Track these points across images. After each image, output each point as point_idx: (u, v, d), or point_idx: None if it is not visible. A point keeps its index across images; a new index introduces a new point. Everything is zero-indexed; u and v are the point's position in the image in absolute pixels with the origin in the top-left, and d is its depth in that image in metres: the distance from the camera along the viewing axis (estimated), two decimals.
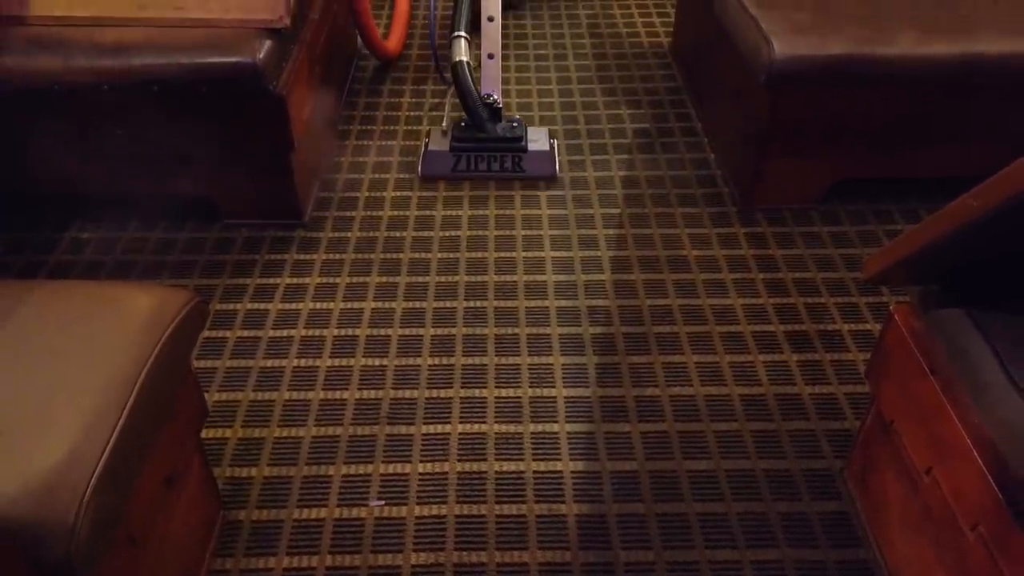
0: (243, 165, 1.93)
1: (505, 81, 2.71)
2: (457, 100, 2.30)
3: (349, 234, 2.02)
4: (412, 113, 2.53)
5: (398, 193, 2.17)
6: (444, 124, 2.43)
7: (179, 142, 1.86)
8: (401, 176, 2.24)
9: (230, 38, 1.76)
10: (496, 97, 2.29)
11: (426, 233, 2.03)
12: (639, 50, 2.92)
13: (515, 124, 2.32)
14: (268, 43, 1.77)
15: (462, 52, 2.22)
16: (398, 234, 2.02)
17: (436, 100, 2.58)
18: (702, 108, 2.50)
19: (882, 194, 2.14)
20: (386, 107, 2.56)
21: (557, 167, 2.28)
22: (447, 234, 2.02)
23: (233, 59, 1.71)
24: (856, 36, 1.80)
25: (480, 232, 2.03)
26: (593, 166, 2.29)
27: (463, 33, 2.25)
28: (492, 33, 2.27)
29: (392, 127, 2.46)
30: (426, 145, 2.32)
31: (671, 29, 3.00)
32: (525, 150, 2.25)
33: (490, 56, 2.28)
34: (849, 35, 1.80)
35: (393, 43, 2.84)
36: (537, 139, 2.31)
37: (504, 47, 2.92)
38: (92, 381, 1.00)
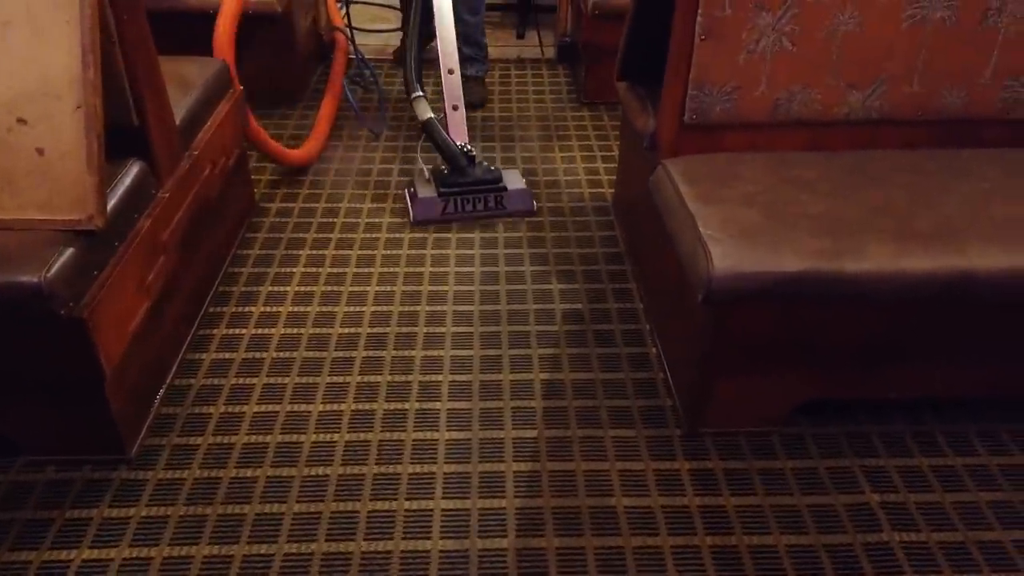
0: (43, 395, 1.50)
1: (421, 244, 2.34)
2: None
3: (185, 473, 1.58)
4: (301, 288, 2.14)
5: (261, 408, 1.75)
6: (426, 172, 2.50)
7: None
8: (270, 381, 1.82)
9: (15, 248, 1.36)
10: (469, 147, 2.46)
11: (286, 471, 1.59)
12: (578, 203, 2.58)
13: (491, 167, 2.49)
14: (69, 252, 1.37)
15: (426, 110, 2.43)
16: (249, 473, 1.59)
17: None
18: (644, 285, 2.14)
19: (858, 412, 1.75)
20: (273, 280, 2.17)
21: (535, 203, 2.51)
22: (310, 474, 1.59)
23: (9, 279, 1.31)
24: (816, 248, 1.44)
25: (356, 469, 1.60)
26: (511, 365, 1.89)
27: (420, 92, 2.47)
28: (453, 85, 2.44)
29: (275, 308, 2.06)
30: (413, 193, 2.47)
31: (616, 177, 2.68)
32: (506, 189, 2.45)
33: (454, 108, 2.45)
34: (807, 246, 1.44)
35: (303, 151, 2.68)
36: (513, 180, 2.51)
37: None
38: None
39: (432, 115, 2.42)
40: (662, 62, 1.81)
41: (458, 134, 2.45)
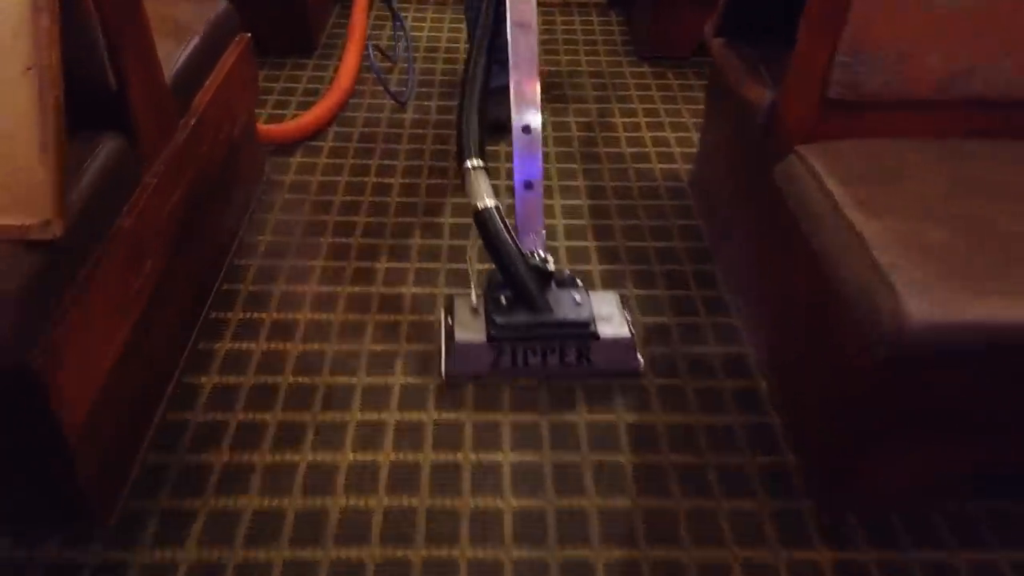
0: None
1: (462, 230, 1.94)
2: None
3: (179, 554, 1.22)
4: (323, 288, 1.74)
5: (277, 457, 1.37)
6: (473, 297, 1.57)
7: None
8: (287, 418, 1.44)
9: None
10: (544, 253, 1.52)
11: (309, 553, 1.23)
12: (649, 183, 2.16)
13: (576, 295, 1.54)
14: (16, 278, 0.98)
15: (485, 192, 1.48)
16: (262, 555, 1.23)
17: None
18: (741, 296, 1.73)
19: None
20: (288, 275, 1.77)
21: (640, 358, 1.56)
22: (339, 557, 1.23)
23: None
24: None
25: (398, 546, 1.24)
26: (587, 401, 1.51)
27: (478, 162, 1.53)
28: (530, 150, 1.52)
29: (291, 314, 1.67)
30: (450, 329, 1.55)
31: (692, 150, 2.26)
32: (596, 337, 1.51)
33: (527, 186, 1.52)
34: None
35: (312, 114, 2.27)
36: (609, 316, 1.55)
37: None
38: None
39: (493, 201, 1.47)
40: (785, 15, 1.40)
41: (528, 236, 1.53)
